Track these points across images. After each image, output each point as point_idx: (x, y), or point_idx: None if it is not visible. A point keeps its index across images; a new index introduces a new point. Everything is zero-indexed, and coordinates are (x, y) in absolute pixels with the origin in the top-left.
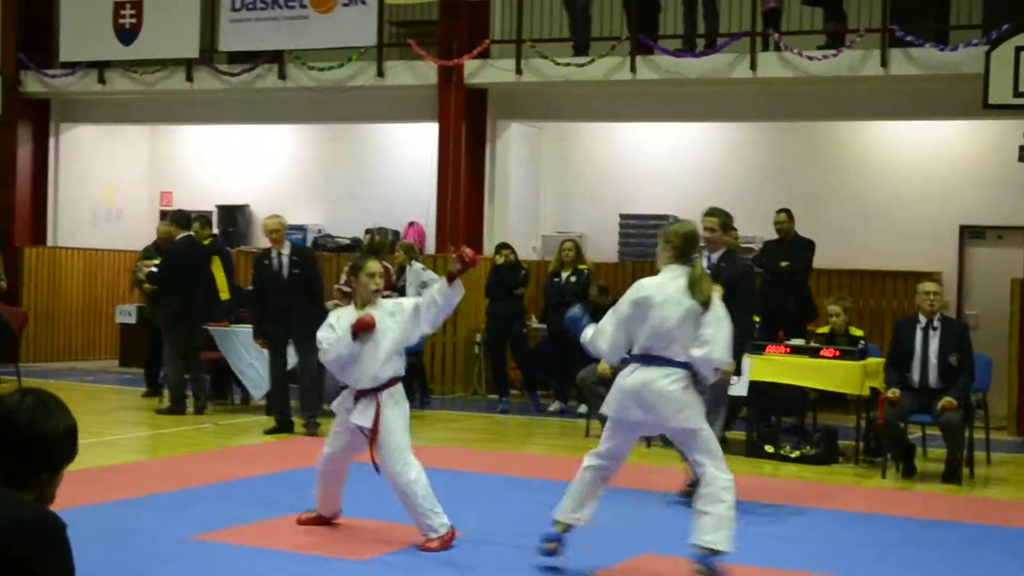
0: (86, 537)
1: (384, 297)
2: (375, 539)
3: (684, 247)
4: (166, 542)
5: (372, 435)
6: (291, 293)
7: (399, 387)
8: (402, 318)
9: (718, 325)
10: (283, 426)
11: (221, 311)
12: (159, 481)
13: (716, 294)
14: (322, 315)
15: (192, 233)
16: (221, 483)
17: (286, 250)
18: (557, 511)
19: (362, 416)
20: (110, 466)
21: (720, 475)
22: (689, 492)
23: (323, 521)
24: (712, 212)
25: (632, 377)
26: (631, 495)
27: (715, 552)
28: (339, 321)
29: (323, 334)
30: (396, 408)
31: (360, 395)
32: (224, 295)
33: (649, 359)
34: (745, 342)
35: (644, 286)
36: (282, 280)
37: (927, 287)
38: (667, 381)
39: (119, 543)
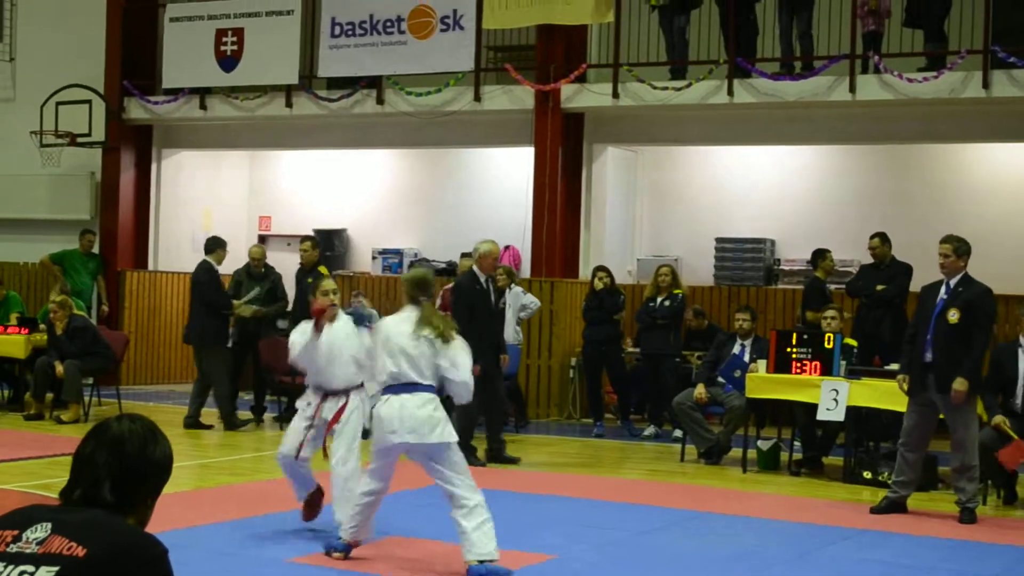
0: (186, 560)
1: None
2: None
3: (412, 291)
4: (264, 564)
5: (331, 423)
6: None
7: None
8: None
9: (455, 354)
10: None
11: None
12: (253, 504)
13: (452, 329)
14: None
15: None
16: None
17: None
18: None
19: (329, 411)
20: (203, 489)
21: (474, 493)
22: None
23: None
24: (946, 239)
25: (387, 403)
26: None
27: (493, 562)
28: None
29: (293, 336)
30: (358, 411)
31: (329, 394)
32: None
33: (399, 387)
34: (981, 362)
35: (382, 325)
36: None
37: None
38: (416, 405)
39: (218, 566)
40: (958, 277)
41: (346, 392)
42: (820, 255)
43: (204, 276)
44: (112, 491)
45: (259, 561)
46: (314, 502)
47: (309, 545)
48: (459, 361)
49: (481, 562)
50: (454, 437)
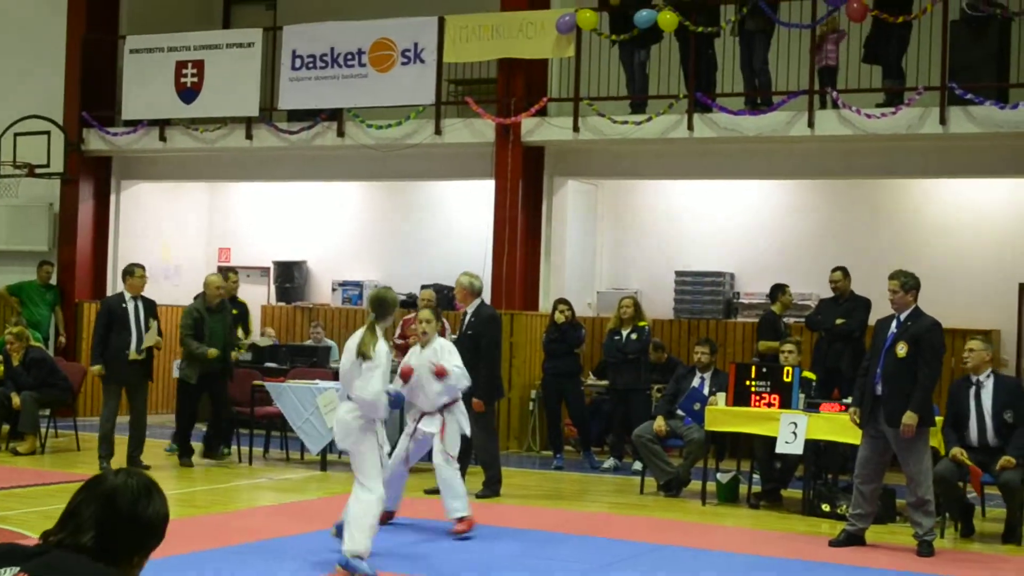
0: None
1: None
2: None
3: (368, 308)
4: None
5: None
6: None
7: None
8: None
9: (368, 374)
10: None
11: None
12: (208, 537)
13: (373, 347)
14: None
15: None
16: (276, 539)
17: None
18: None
19: (427, 425)
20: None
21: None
22: None
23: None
24: (894, 275)
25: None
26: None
27: (359, 557)
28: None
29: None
30: (454, 424)
31: (424, 414)
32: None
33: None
34: (930, 395)
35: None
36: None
37: (968, 345)
38: (344, 411)
39: None
40: (908, 311)
41: (440, 411)
42: (779, 290)
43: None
44: (95, 540)
45: None
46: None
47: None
48: (366, 379)
49: (352, 555)
50: (364, 443)
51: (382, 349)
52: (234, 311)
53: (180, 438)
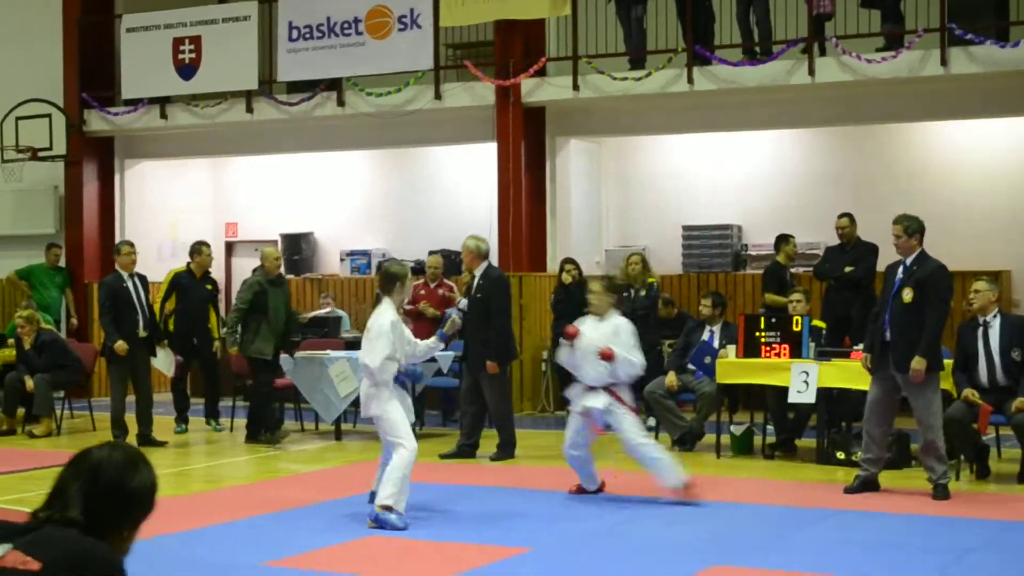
0: (158, 568)
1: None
2: (450, 558)
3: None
4: (238, 569)
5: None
6: None
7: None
8: None
9: (370, 344)
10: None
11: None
12: (230, 509)
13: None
14: None
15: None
16: (293, 509)
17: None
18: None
19: (592, 402)
20: (179, 496)
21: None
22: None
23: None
24: (897, 220)
25: None
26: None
27: (389, 508)
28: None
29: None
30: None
31: (589, 388)
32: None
33: None
34: (939, 339)
35: None
36: None
37: (974, 286)
38: (365, 384)
39: (190, 573)
40: (913, 256)
41: (606, 388)
42: (783, 240)
43: None
44: (83, 514)
45: (235, 567)
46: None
47: (286, 549)
48: (368, 348)
49: (382, 507)
50: (387, 405)
51: (384, 320)
52: (208, 286)
53: (256, 424)
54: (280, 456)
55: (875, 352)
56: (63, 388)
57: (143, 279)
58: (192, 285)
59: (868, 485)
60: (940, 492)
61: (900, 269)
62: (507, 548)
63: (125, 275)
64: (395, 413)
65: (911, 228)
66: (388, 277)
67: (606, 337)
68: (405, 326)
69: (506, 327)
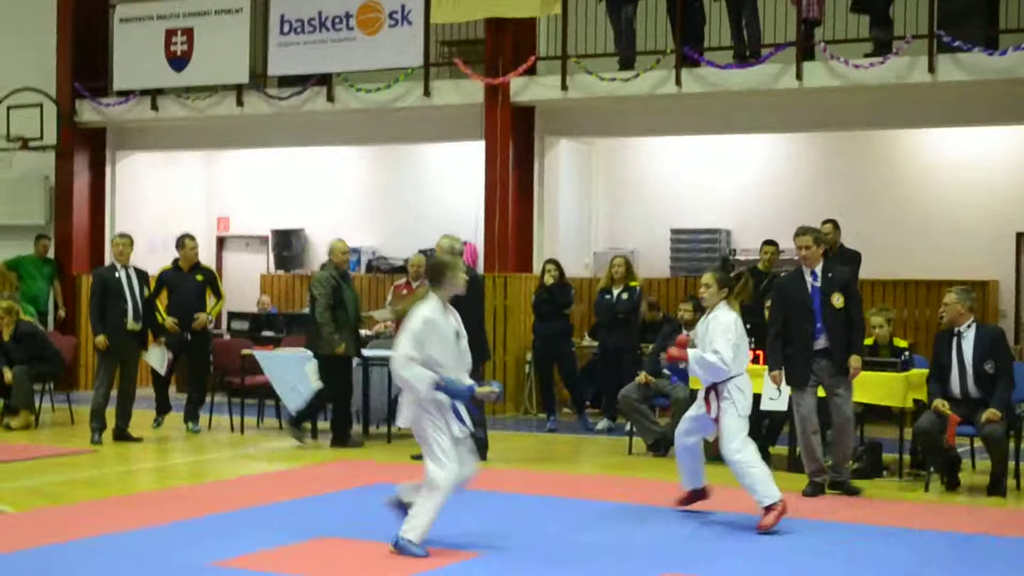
0: (103, 567)
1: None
2: (400, 561)
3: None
4: (183, 570)
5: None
6: None
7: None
8: None
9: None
10: None
11: None
12: (190, 507)
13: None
14: None
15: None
16: (253, 508)
17: None
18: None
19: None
20: (141, 493)
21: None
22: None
23: (695, 497)
24: (803, 231)
25: None
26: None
27: (410, 541)
28: None
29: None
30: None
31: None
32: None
33: None
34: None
35: None
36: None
37: (944, 299)
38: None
39: (134, 572)
40: (820, 264)
41: (712, 389)
42: (763, 246)
43: None
44: None
45: (180, 566)
46: (690, 499)
47: (237, 549)
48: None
49: (401, 537)
50: (421, 422)
51: (417, 316)
52: (198, 277)
53: (343, 426)
54: (253, 456)
55: (796, 363)
56: (42, 380)
57: (141, 273)
58: (180, 279)
59: (820, 490)
60: (815, 490)
61: (809, 279)
62: (457, 551)
63: (118, 266)
64: (430, 430)
65: (820, 239)
66: (434, 268)
67: (699, 335)
68: (457, 329)
69: (474, 327)
